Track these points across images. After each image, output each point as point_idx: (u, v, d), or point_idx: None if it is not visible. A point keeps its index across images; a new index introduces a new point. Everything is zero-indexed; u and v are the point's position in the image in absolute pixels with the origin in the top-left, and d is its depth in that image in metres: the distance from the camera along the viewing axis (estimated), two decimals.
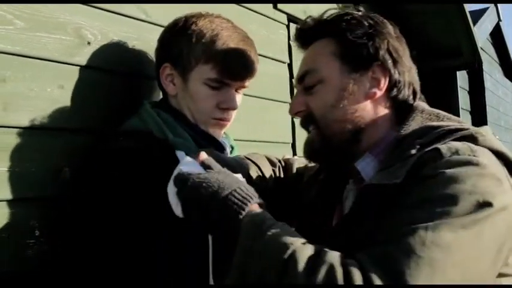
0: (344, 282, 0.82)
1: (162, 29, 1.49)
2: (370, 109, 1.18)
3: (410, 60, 1.23)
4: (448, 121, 1.14)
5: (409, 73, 1.20)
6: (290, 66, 2.49)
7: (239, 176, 1.09)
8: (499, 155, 1.05)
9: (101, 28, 1.47)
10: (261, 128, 2.19)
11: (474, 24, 5.70)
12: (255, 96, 2.16)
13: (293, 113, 1.26)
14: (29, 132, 1.28)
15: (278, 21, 2.41)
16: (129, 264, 1.18)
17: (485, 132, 1.07)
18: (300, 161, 1.64)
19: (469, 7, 3.97)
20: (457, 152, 0.99)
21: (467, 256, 0.88)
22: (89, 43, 1.43)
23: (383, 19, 1.23)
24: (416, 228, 0.88)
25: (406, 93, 1.19)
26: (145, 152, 1.26)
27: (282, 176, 1.60)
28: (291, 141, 2.45)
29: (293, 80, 2.48)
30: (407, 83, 1.19)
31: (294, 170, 1.61)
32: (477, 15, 6.61)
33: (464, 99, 5.32)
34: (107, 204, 1.20)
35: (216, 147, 1.41)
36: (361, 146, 1.18)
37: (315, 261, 0.86)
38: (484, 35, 6.61)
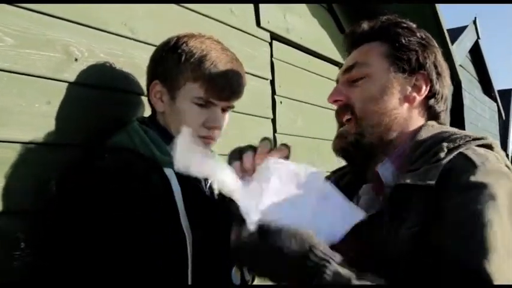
0: None
1: (148, 46, 1.54)
2: (407, 111, 1.23)
3: (449, 80, 1.29)
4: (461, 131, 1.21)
5: (447, 90, 1.27)
6: (272, 82, 2.55)
7: None
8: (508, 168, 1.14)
9: (88, 45, 1.52)
10: (243, 143, 2.22)
11: (453, 41, 5.84)
12: (238, 112, 2.20)
13: (331, 100, 1.30)
14: (16, 147, 1.31)
15: (261, 39, 2.47)
16: (108, 278, 1.21)
17: (498, 144, 1.16)
18: None
19: (448, 25, 4.07)
20: (487, 160, 1.06)
21: None
22: (76, 60, 1.47)
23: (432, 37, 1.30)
24: (489, 253, 0.94)
25: (442, 106, 1.26)
26: (128, 171, 1.29)
27: None
28: None
29: (275, 97, 2.56)
30: (445, 97, 1.26)
31: None
32: (456, 33, 6.76)
33: None
34: (87, 221, 1.23)
35: None
36: (391, 147, 1.23)
37: None
38: (463, 53, 6.76)
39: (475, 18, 7.78)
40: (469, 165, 1.05)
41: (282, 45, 2.68)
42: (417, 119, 1.24)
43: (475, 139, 1.13)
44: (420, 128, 1.21)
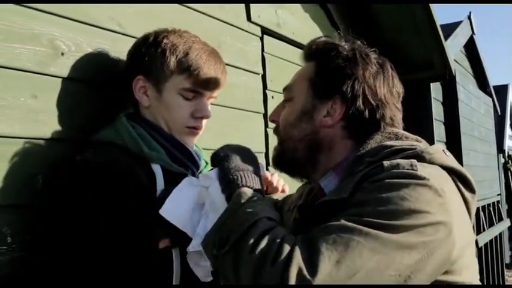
0: (276, 251, 0.96)
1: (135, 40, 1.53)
2: (327, 135, 1.26)
3: (387, 97, 1.26)
4: (406, 140, 1.21)
5: (377, 108, 1.24)
6: (264, 77, 2.55)
7: None
8: (451, 170, 1.13)
9: (75, 39, 1.51)
10: (235, 137, 2.22)
11: (448, 37, 5.83)
12: (229, 107, 2.20)
13: (270, 119, 1.39)
14: (1, 141, 1.30)
15: (252, 34, 2.46)
16: (91, 274, 1.22)
17: (433, 151, 1.14)
18: (279, 195, 1.70)
19: (443, 20, 4.06)
20: (397, 166, 1.07)
21: (386, 247, 0.95)
22: (62, 54, 1.46)
23: (368, 53, 1.28)
24: (343, 218, 0.99)
25: (364, 127, 1.24)
26: (112, 165, 1.29)
27: None
28: (264, 151, 2.49)
29: (267, 91, 2.56)
30: (369, 117, 1.24)
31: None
32: (451, 28, 6.75)
33: (437, 110, 5.42)
34: (69, 216, 1.24)
35: (189, 160, 1.46)
36: (320, 165, 1.28)
37: (266, 232, 1.01)
38: (457, 48, 6.75)
39: (470, 13, 7.79)
40: (378, 172, 1.08)
41: (273, 39, 2.67)
42: (342, 139, 1.26)
43: (401, 151, 1.14)
44: (364, 141, 1.22)
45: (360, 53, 1.27)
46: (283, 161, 1.33)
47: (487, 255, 7.05)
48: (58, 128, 1.43)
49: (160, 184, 1.34)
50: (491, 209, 7.78)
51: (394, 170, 1.06)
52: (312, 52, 1.32)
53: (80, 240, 1.22)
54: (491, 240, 7.24)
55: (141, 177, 1.33)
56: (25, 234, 1.32)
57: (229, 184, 1.17)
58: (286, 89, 1.35)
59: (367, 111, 1.23)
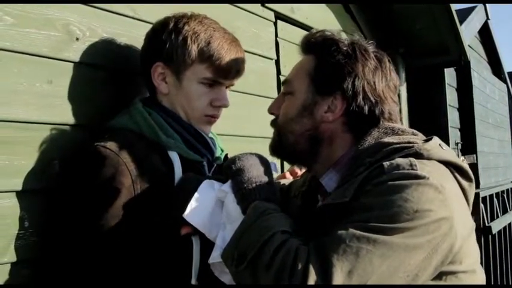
0: (290, 267, 1.00)
1: (150, 25, 1.52)
2: (327, 129, 1.27)
3: (385, 91, 1.27)
4: (402, 134, 1.23)
5: (376, 104, 1.25)
6: (277, 62, 2.53)
7: None
8: (449, 163, 1.17)
9: (90, 24, 1.50)
10: (248, 123, 2.22)
11: (462, 22, 5.75)
12: (243, 92, 2.19)
13: (269, 112, 1.39)
14: (17, 126, 1.30)
15: (266, 19, 2.45)
16: (111, 260, 1.23)
17: (430, 147, 1.17)
18: (285, 180, 1.69)
19: (457, 6, 4.01)
20: (397, 167, 1.09)
21: (395, 252, 0.98)
22: (77, 39, 1.46)
23: (366, 47, 1.28)
24: (350, 226, 1.01)
25: (364, 122, 1.25)
26: (128, 152, 1.29)
27: None
28: None
29: (280, 77, 2.54)
30: (369, 113, 1.25)
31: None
32: (465, 13, 6.66)
33: (452, 97, 5.37)
34: (86, 202, 1.24)
35: (205, 147, 1.45)
36: (321, 157, 1.29)
37: (279, 247, 1.03)
38: (472, 33, 6.66)
39: None
40: (379, 174, 1.10)
41: (286, 24, 2.65)
42: (341, 134, 1.27)
43: (399, 150, 1.16)
44: (366, 133, 1.24)
45: (359, 49, 1.27)
46: (282, 151, 1.35)
47: (501, 242, 7.00)
48: (74, 113, 1.43)
49: (178, 171, 1.33)
50: (505, 195, 7.71)
51: (395, 171, 1.09)
52: (311, 45, 1.32)
53: (96, 226, 1.22)
54: (504, 227, 7.19)
55: (158, 164, 1.33)
56: (42, 219, 1.33)
57: (244, 197, 1.20)
58: (286, 83, 1.35)
59: (366, 107, 1.25)
